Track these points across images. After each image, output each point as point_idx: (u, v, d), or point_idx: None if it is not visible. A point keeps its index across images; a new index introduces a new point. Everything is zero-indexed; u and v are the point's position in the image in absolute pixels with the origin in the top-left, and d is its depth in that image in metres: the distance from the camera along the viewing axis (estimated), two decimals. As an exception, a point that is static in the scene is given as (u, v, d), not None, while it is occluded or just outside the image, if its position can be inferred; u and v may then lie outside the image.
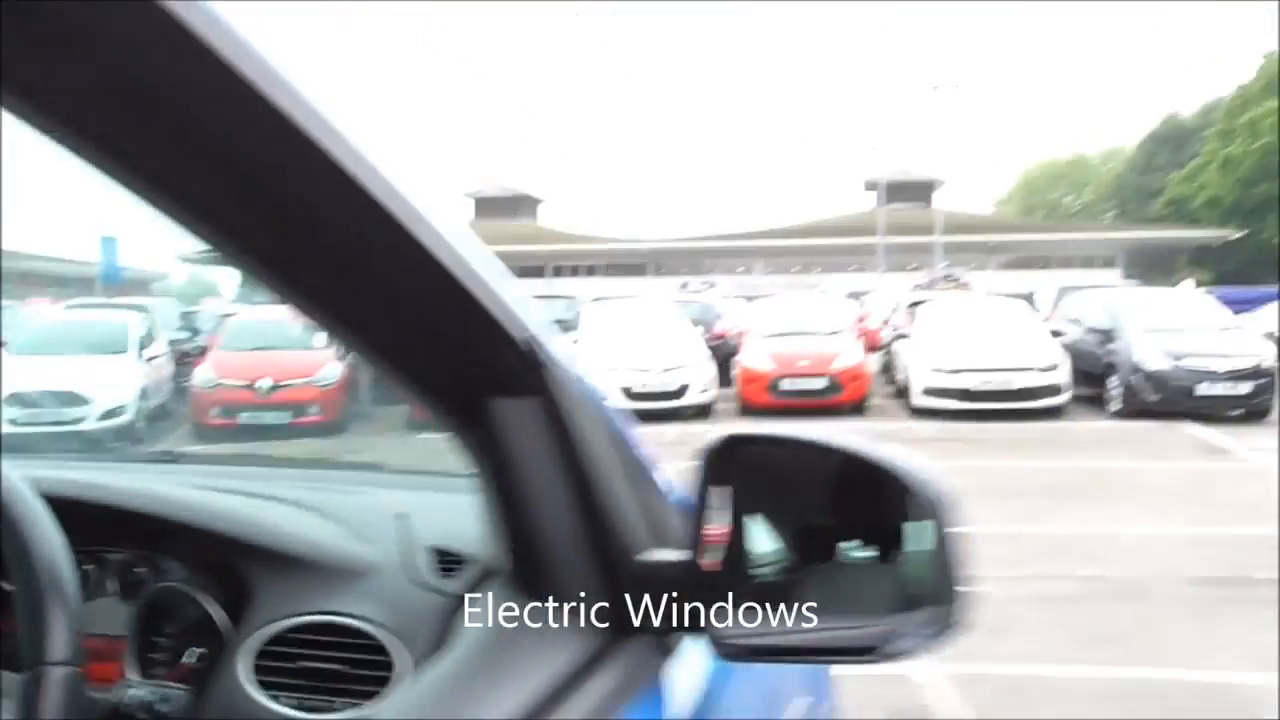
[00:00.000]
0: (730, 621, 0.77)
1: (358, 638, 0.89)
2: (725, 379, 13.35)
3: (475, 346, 0.72)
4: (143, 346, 12.42)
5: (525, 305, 0.73)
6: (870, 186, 47.67)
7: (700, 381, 12.48)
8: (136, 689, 0.83)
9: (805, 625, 0.76)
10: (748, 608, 0.77)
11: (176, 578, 0.95)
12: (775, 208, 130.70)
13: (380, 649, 0.87)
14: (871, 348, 15.27)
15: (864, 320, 18.94)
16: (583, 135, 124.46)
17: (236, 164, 0.52)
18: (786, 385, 12.40)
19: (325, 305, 0.66)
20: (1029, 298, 16.64)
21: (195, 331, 16.31)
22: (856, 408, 12.44)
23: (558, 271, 55.74)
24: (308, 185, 0.55)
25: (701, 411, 12.29)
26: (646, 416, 11.55)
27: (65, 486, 0.86)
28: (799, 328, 13.58)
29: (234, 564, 0.96)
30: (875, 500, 0.78)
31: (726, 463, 0.82)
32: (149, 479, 1.10)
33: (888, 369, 14.76)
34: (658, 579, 0.79)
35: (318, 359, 10.57)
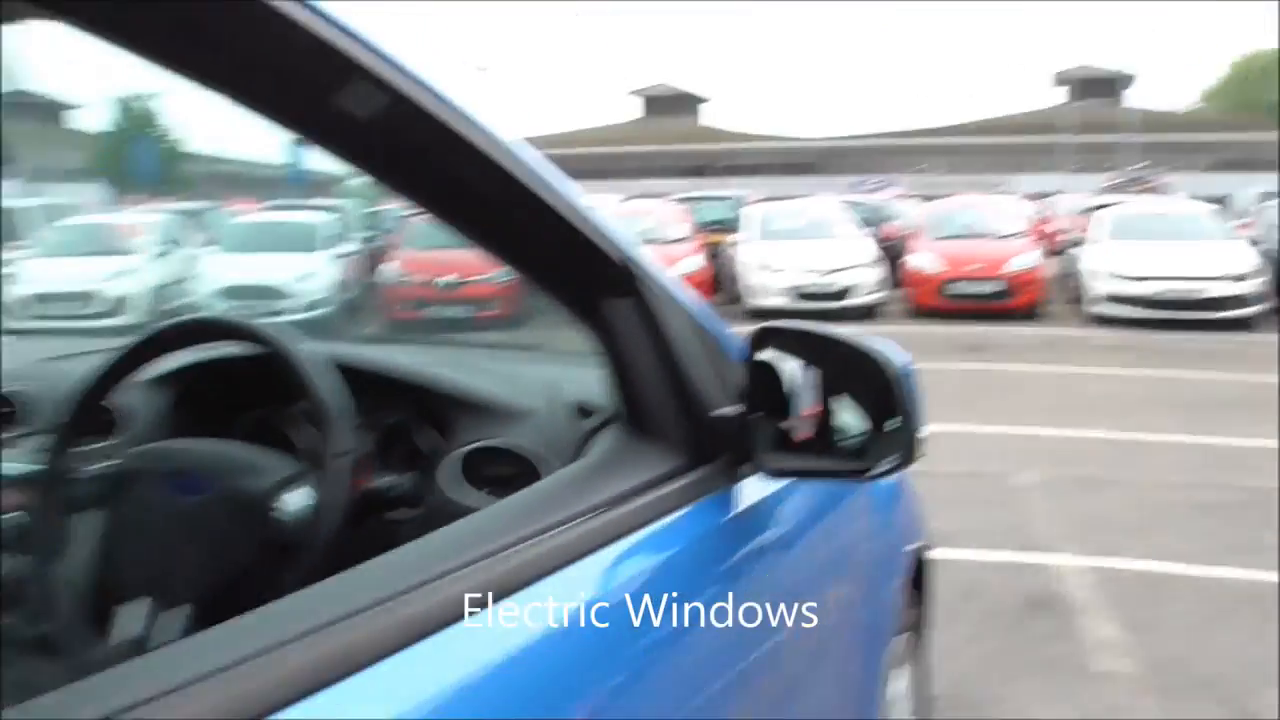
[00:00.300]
0: (771, 454, 1.10)
1: (520, 459, 1.19)
2: (897, 281, 13.20)
3: (588, 263, 1.02)
4: (335, 244, 13.30)
5: (620, 230, 1.04)
6: (1059, 81, 44.93)
7: (866, 283, 12.40)
8: (383, 481, 1.15)
9: (816, 460, 1.11)
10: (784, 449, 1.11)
11: (402, 418, 1.27)
12: (955, 103, 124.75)
13: (534, 467, 1.17)
14: (1052, 252, 14.70)
15: (1044, 223, 18.18)
16: (752, 30, 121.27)
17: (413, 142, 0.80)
18: (956, 288, 12.19)
19: (482, 236, 0.98)
20: (1223, 201, 15.59)
21: (380, 230, 17.24)
22: (1029, 313, 12.12)
23: (722, 171, 55.29)
24: (462, 159, 0.85)
25: (867, 313, 12.24)
26: (809, 317, 11.59)
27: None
28: (972, 229, 13.24)
29: (438, 409, 1.26)
30: (864, 375, 1.09)
31: (766, 348, 1.13)
32: (369, 350, 1.43)
33: (1068, 274, 14.21)
34: (723, 425, 1.09)
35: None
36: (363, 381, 1.18)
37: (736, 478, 1.12)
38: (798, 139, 55.54)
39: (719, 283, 13.97)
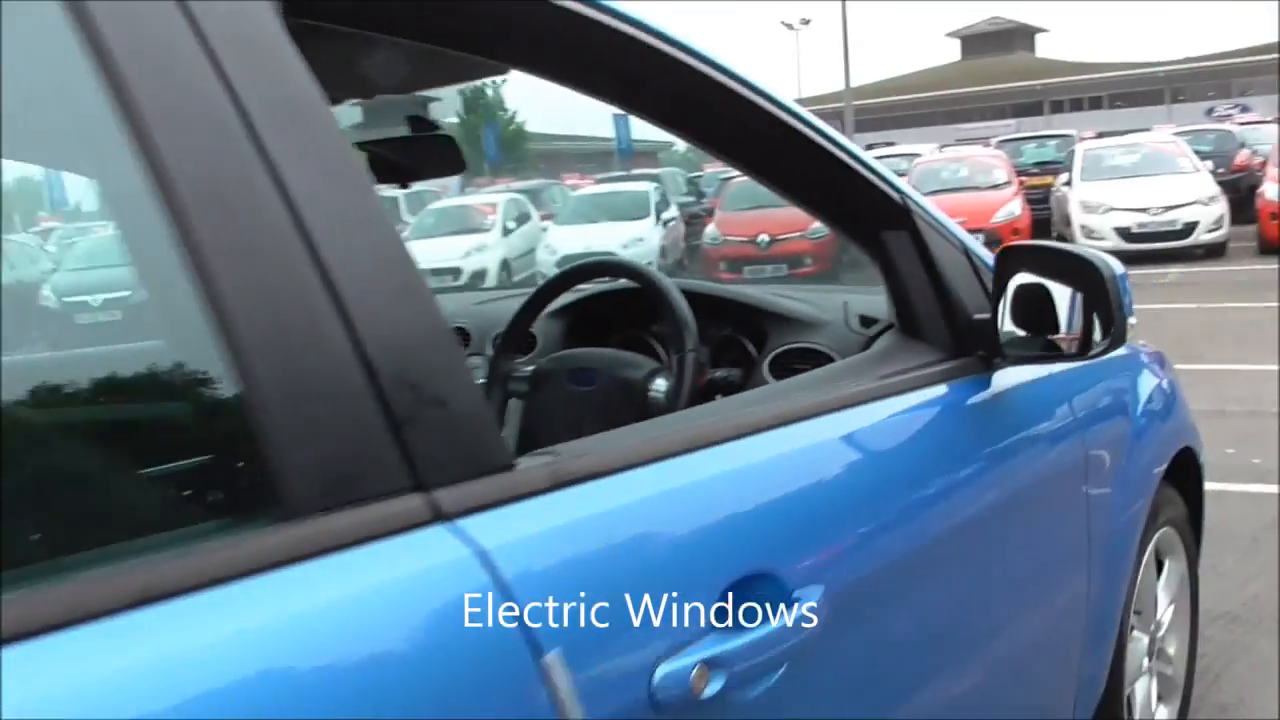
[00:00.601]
0: (1014, 348, 1.38)
1: (820, 356, 1.56)
2: (1250, 215, 12.09)
3: (872, 204, 1.37)
4: (659, 211, 14.21)
5: (892, 174, 1.38)
6: None
7: (1208, 220, 11.49)
8: (718, 373, 1.60)
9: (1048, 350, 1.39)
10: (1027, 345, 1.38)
11: (730, 330, 1.71)
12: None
13: (831, 361, 1.55)
14: None
15: None
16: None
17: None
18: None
19: (780, 181, 1.36)
20: None
21: (700, 195, 18.04)
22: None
23: (1057, 107, 51.67)
24: (770, 128, 1.24)
25: (1212, 251, 11.36)
26: (1146, 258, 11.00)
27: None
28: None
29: (757, 323, 1.69)
30: (1088, 279, 1.34)
31: (1010, 265, 1.38)
32: (703, 284, 1.88)
33: None
34: (976, 327, 1.39)
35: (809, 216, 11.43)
36: (701, 304, 1.62)
37: (989, 369, 1.43)
38: (1144, 65, 50.64)
39: (1045, 227, 13.46)
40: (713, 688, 0.79)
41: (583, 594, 0.75)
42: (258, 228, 0.68)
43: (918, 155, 16.80)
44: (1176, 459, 1.96)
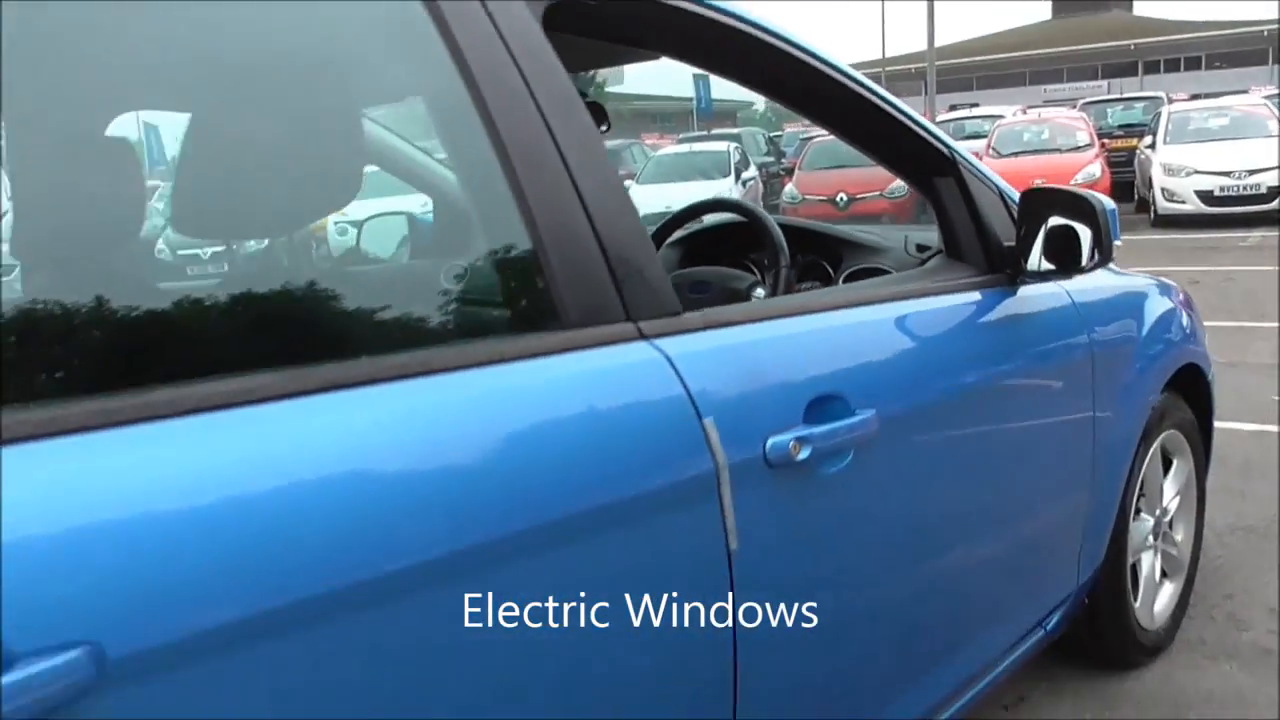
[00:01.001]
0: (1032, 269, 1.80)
1: (884, 274, 2.02)
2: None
3: (925, 156, 1.80)
4: (739, 171, 14.54)
5: (941, 132, 1.79)
6: None
7: (1293, 184, 11.45)
8: (803, 286, 2.06)
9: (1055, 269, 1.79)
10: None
11: (813, 255, 2.17)
12: None
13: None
14: None
15: None
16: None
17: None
18: None
19: (855, 139, 1.80)
20: None
21: (780, 154, 18.28)
22: None
23: (1152, 68, 50.17)
24: (837, 91, 1.68)
25: (1297, 217, 11.37)
26: (1230, 221, 11.06)
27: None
28: None
29: (834, 249, 2.15)
30: (1087, 214, 1.75)
31: (1032, 204, 1.79)
32: (789, 220, 2.34)
33: None
34: (1005, 252, 1.82)
35: (887, 174, 11.70)
36: (790, 234, 2.08)
37: (1014, 284, 1.87)
38: (1248, 24, 48.82)
39: (1129, 189, 13.51)
40: (803, 454, 1.27)
41: (724, 386, 1.23)
42: (547, 168, 1.17)
43: (1000, 117, 16.81)
44: (1182, 373, 2.37)
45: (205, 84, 1.26)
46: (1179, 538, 2.55)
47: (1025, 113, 17.66)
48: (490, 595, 0.96)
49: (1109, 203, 1.79)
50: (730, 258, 2.28)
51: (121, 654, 0.74)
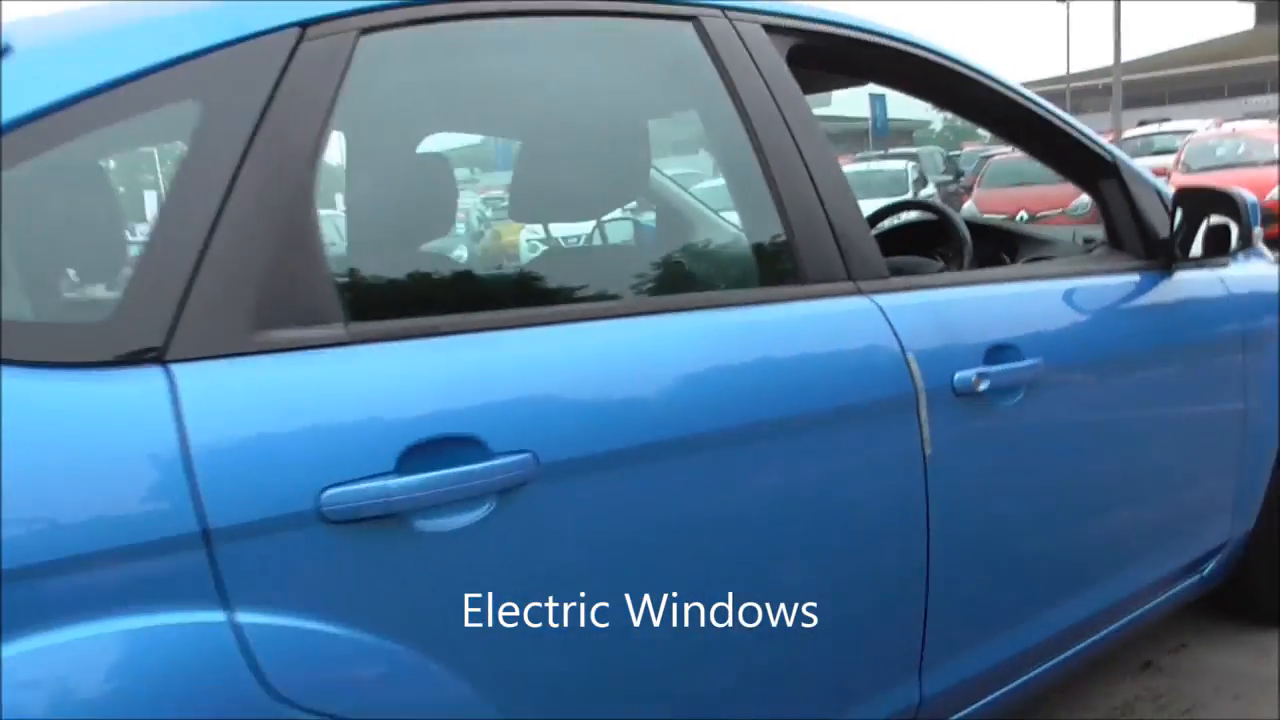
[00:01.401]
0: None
1: None
2: None
3: (1091, 162, 2.15)
4: (917, 189, 14.64)
5: (1105, 141, 2.13)
6: None
7: None
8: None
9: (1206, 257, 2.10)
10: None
11: (991, 249, 2.50)
12: None
13: None
14: None
15: None
16: None
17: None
18: None
19: (1021, 141, 2.19)
20: None
21: (959, 173, 18.21)
22: None
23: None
24: (1015, 110, 2.07)
25: None
26: None
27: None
28: None
29: (1013, 243, 2.47)
30: (1233, 208, 2.05)
31: (1184, 201, 2.11)
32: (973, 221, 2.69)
33: None
34: (1161, 242, 2.12)
35: (1071, 192, 11.60)
36: (973, 230, 2.43)
37: (1169, 270, 2.17)
38: None
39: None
40: (983, 387, 1.65)
41: (922, 331, 1.63)
42: (792, 166, 1.60)
43: (1191, 132, 16.26)
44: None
45: (538, 110, 1.77)
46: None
47: (1220, 126, 17.00)
48: (765, 456, 1.40)
49: (1251, 197, 2.09)
50: (919, 251, 2.65)
51: (549, 460, 1.21)
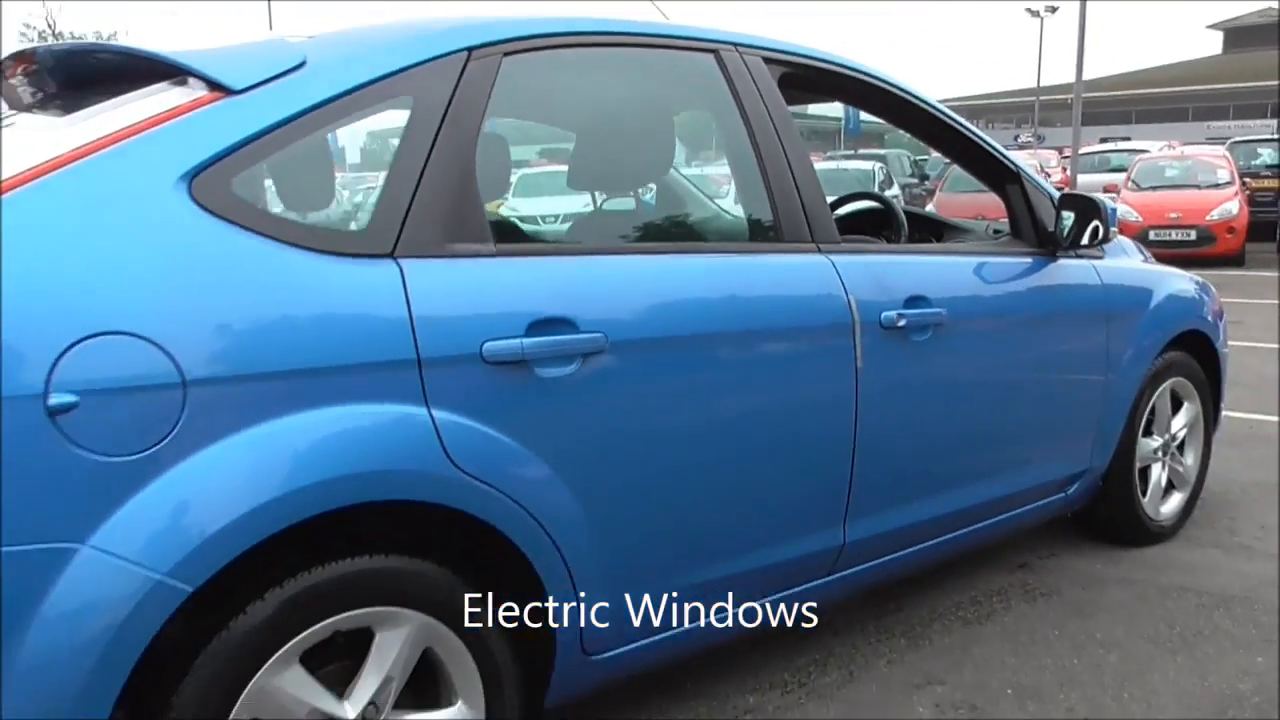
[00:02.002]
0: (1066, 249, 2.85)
1: None
2: None
3: (1000, 171, 2.90)
4: (883, 189, 15.43)
5: (1008, 153, 2.88)
6: None
7: None
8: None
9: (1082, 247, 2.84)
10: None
11: (925, 233, 3.20)
12: None
13: None
14: None
15: None
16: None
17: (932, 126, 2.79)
18: None
19: (948, 152, 2.97)
20: None
21: (924, 176, 19.03)
22: None
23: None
24: (922, 121, 2.80)
25: None
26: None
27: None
28: None
29: (939, 230, 3.19)
30: (1097, 211, 2.82)
31: (1064, 203, 2.85)
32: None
33: None
34: (1049, 234, 2.84)
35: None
36: (911, 220, 3.13)
37: (1054, 258, 2.89)
38: None
39: (1266, 228, 13.85)
40: (901, 324, 2.34)
41: (860, 281, 2.31)
42: (776, 159, 2.28)
43: (1145, 151, 17.19)
44: (1190, 338, 3.32)
45: (601, 108, 2.45)
46: (1188, 461, 3.50)
47: (1173, 148, 17.94)
48: (751, 351, 2.10)
49: (1110, 204, 2.81)
50: (872, 233, 3.35)
51: (615, 338, 1.89)
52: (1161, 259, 3.61)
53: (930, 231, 3.24)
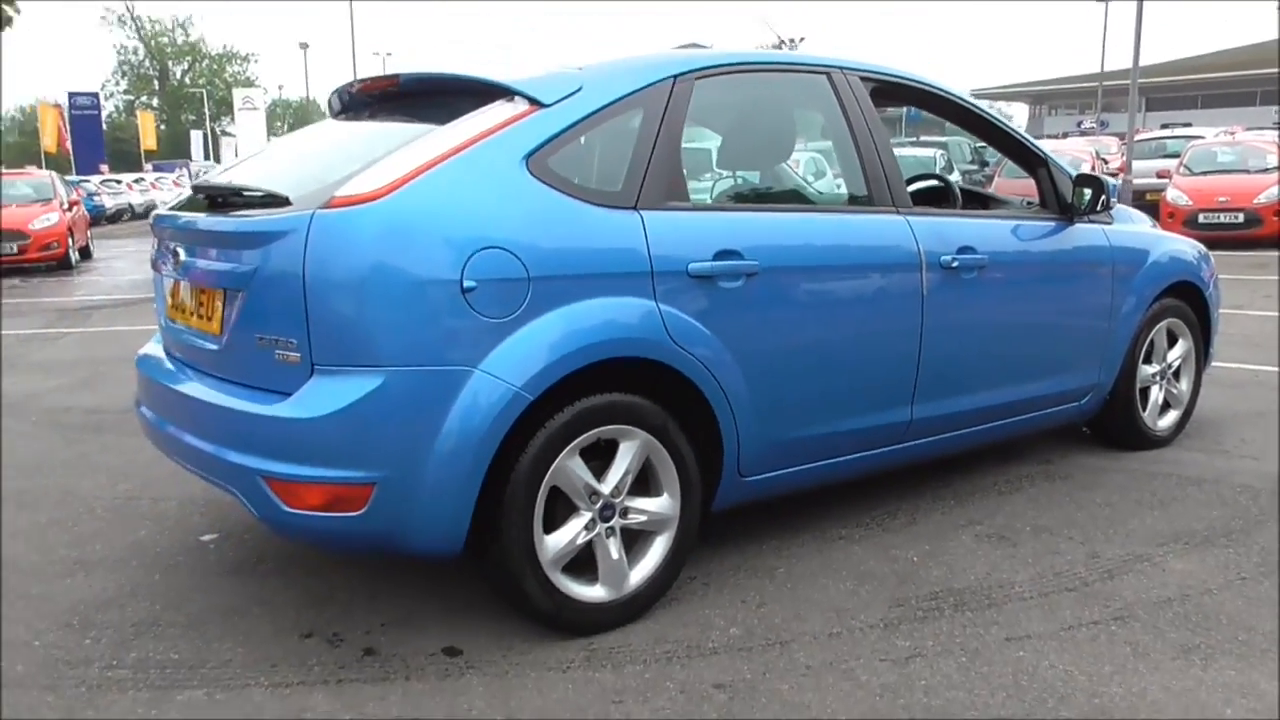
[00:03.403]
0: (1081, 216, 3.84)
1: None
2: None
3: (1030, 156, 3.91)
4: (945, 174, 16.26)
5: (1036, 142, 3.89)
6: None
7: None
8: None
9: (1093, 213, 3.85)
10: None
11: (976, 204, 4.17)
12: None
13: None
14: None
15: None
16: None
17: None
18: None
19: (992, 143, 3.96)
20: None
21: (984, 163, 19.75)
22: None
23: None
24: (974, 121, 3.83)
25: None
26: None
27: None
28: None
29: (987, 202, 4.17)
30: (1101, 184, 3.82)
31: (1079, 180, 3.85)
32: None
33: None
34: (1068, 204, 3.84)
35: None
36: (964, 194, 4.11)
37: (1072, 223, 3.84)
38: None
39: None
40: (954, 265, 3.34)
41: (926, 235, 3.31)
42: (869, 149, 3.30)
43: (1200, 138, 17.77)
44: (1178, 284, 4.26)
45: (750, 110, 3.48)
46: (1182, 386, 4.45)
47: (1232, 134, 18.47)
48: (858, 278, 3.12)
49: (1112, 181, 3.78)
50: (932, 203, 4.33)
51: (765, 265, 2.91)
52: (1211, 241, 4.61)
53: (979, 203, 4.22)
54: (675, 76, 2.92)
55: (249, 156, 3.40)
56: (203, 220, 2.81)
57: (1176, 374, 4.43)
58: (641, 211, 2.74)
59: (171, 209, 3.12)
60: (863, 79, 3.38)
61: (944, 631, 2.70)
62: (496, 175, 2.56)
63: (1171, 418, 4.43)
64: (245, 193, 2.74)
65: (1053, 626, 2.72)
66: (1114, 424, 4.28)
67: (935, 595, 2.93)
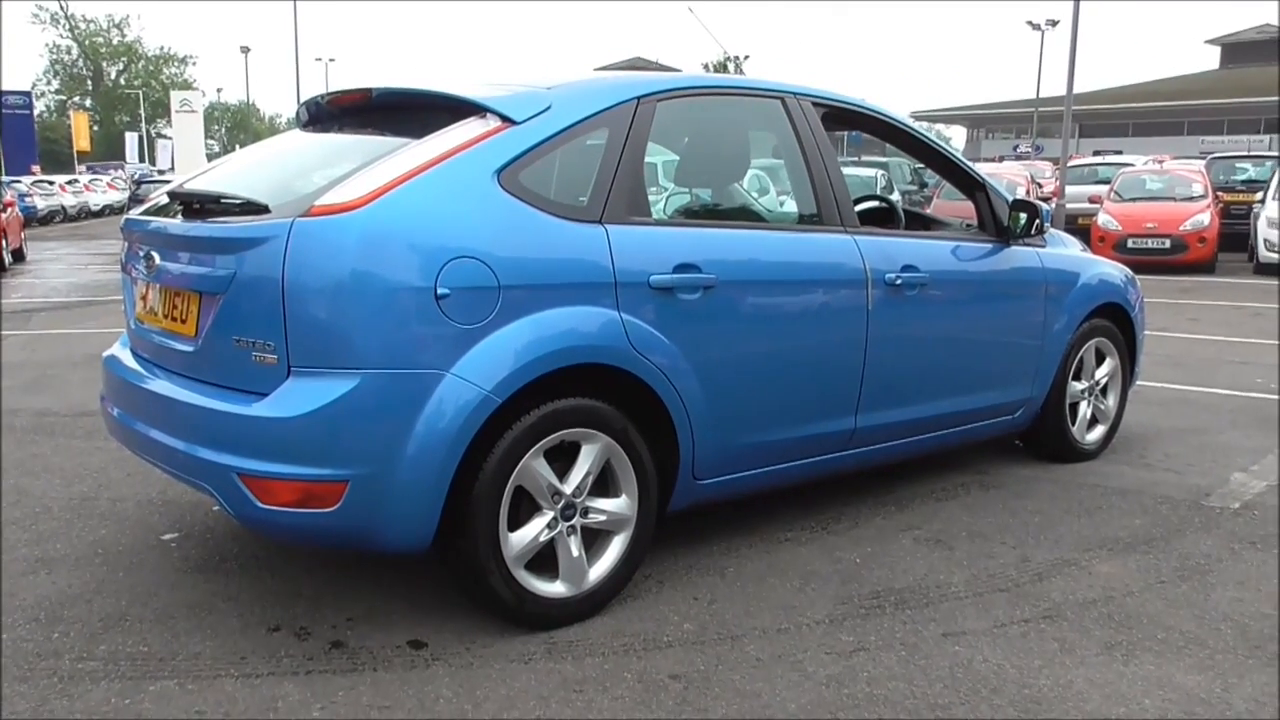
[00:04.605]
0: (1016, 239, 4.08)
1: None
2: None
3: (968, 180, 4.14)
4: (884, 193, 16.64)
5: (972, 166, 4.11)
6: None
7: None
8: None
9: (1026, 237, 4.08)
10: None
11: (918, 225, 4.38)
12: None
13: None
14: None
15: None
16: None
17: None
18: None
19: (931, 166, 4.16)
20: None
21: (923, 184, 20.24)
22: None
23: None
24: (918, 146, 4.06)
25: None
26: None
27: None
28: None
29: (929, 224, 4.38)
30: (1036, 210, 4.08)
31: (1015, 206, 4.10)
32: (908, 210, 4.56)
33: None
34: (1003, 227, 4.07)
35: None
36: (908, 216, 4.31)
37: (1007, 245, 4.05)
38: None
39: (1238, 239, 15.09)
40: (897, 282, 3.53)
41: (872, 254, 3.49)
42: (819, 169, 3.47)
43: (1130, 165, 18.42)
44: (1106, 305, 4.51)
45: (703, 132, 3.63)
46: (1109, 402, 4.69)
47: (1159, 163, 19.16)
48: (805, 293, 3.29)
49: (1045, 207, 4.01)
50: (877, 223, 4.52)
51: (722, 279, 3.06)
52: (1139, 265, 4.86)
53: (921, 224, 4.43)
54: (639, 98, 3.06)
55: (218, 163, 3.47)
56: (180, 225, 2.88)
57: (1104, 391, 4.68)
58: (606, 225, 2.87)
59: (143, 213, 3.18)
60: (814, 104, 3.55)
61: (885, 628, 2.87)
62: (470, 188, 2.67)
63: (1099, 432, 4.67)
64: (223, 200, 2.82)
65: (986, 624, 2.90)
66: (1045, 437, 4.50)
67: (877, 594, 3.10)
